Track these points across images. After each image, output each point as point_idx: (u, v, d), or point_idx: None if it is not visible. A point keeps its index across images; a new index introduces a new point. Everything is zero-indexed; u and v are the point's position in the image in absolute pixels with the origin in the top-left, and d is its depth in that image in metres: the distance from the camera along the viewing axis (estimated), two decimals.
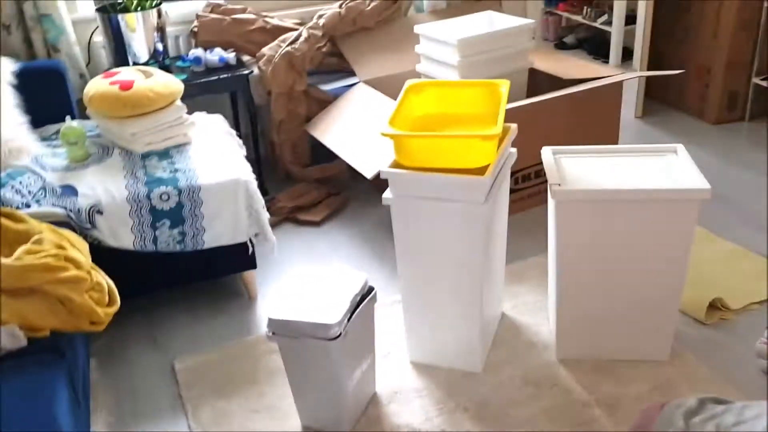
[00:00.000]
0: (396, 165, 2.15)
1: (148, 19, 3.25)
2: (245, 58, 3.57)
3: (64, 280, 1.88)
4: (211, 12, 3.55)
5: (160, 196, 2.49)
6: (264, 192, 3.42)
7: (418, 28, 3.34)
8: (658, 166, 2.28)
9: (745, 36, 3.90)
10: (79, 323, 1.94)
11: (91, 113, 2.81)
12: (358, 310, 2.07)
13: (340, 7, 3.62)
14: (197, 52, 3.39)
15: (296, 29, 3.59)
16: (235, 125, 3.68)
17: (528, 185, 3.26)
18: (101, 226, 2.43)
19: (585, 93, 3.17)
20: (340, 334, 1.97)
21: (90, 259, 2.10)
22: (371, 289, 2.16)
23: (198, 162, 2.66)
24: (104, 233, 2.43)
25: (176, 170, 2.60)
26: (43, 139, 2.84)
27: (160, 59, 3.34)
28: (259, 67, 3.49)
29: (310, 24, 3.57)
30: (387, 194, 2.18)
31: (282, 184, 3.58)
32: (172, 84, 2.79)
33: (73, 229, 2.31)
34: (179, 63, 3.44)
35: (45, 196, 2.45)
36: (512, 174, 3.07)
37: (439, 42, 3.24)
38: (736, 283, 2.71)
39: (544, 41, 5.69)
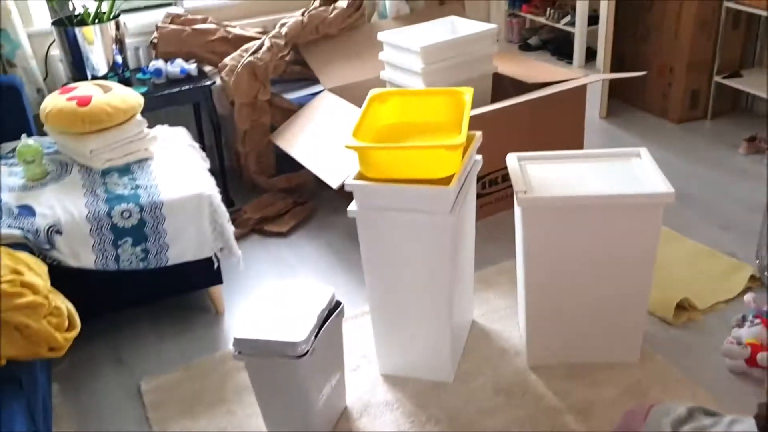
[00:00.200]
0: (361, 176, 2.13)
1: (106, 31, 3.18)
2: (207, 68, 3.52)
3: (20, 307, 1.83)
4: (171, 23, 3.49)
5: (122, 214, 2.44)
6: (230, 203, 3.39)
7: (381, 36, 3.32)
8: (623, 170, 2.29)
9: (705, 35, 3.94)
10: (38, 350, 1.88)
11: (49, 130, 2.74)
12: (325, 325, 2.04)
13: (303, 15, 3.59)
14: (158, 63, 3.33)
15: (258, 38, 3.55)
16: (199, 137, 3.63)
17: (495, 189, 3.26)
18: (61, 246, 2.37)
19: (549, 97, 3.17)
20: (308, 351, 1.94)
21: (49, 282, 2.04)
22: (338, 303, 2.13)
23: (160, 177, 2.61)
24: (64, 253, 2.37)
25: (137, 186, 2.55)
26: None
27: (119, 72, 3.28)
28: (221, 78, 3.45)
29: (273, 33, 3.53)
30: (352, 206, 2.15)
31: (248, 194, 3.54)
32: (131, 98, 2.74)
33: (31, 251, 2.26)
34: (140, 75, 3.38)
35: (0, 217, 2.38)
36: (479, 179, 3.07)
37: (403, 49, 3.22)
38: (702, 282, 2.73)
39: (508, 43, 5.70)
